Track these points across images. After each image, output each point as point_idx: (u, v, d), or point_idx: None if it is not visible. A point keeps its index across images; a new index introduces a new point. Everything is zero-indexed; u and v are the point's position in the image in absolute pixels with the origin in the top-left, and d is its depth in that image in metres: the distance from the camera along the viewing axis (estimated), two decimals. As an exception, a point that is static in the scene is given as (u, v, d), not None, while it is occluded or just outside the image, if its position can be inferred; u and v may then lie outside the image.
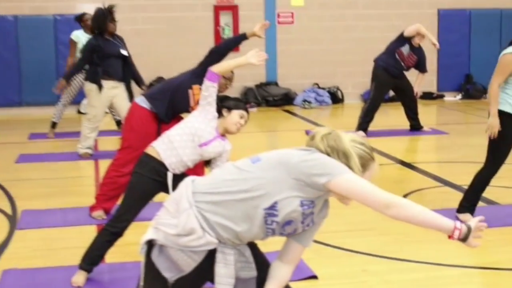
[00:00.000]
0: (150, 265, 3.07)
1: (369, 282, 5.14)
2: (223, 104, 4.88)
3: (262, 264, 3.18)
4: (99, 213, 6.72)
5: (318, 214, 3.10)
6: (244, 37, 6.33)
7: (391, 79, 11.32)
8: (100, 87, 9.18)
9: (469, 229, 3.02)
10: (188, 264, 3.01)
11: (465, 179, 6.69)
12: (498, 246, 5.93)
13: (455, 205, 6.61)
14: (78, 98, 12.65)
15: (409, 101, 11.66)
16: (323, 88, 16.11)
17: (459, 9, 16.73)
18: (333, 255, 5.70)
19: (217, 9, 15.74)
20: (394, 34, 11.51)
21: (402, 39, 11.24)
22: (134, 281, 4.96)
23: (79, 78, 10.91)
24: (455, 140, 11.13)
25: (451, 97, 16.79)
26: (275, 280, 3.14)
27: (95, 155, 9.89)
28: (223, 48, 6.25)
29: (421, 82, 11.69)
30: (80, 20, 11.48)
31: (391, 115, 13.22)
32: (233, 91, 14.25)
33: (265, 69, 16.00)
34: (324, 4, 16.15)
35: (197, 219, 2.95)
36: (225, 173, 3.07)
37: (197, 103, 5.10)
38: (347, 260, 5.60)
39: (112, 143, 10.60)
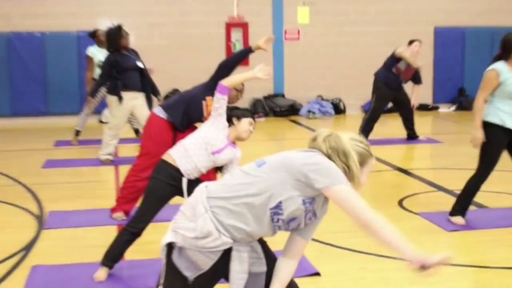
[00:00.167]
0: (171, 265, 3.10)
1: (368, 279, 5.16)
2: (232, 113, 4.94)
3: (272, 260, 3.21)
4: (119, 215, 6.76)
5: (319, 209, 3.15)
6: (249, 50, 6.35)
7: (390, 92, 11.34)
8: (120, 98, 9.24)
9: (429, 265, 3.04)
10: (206, 263, 3.05)
11: (458, 185, 6.70)
12: (488, 247, 5.95)
13: (448, 208, 6.63)
14: (100, 108, 12.71)
15: (406, 112, 11.68)
16: (327, 100, 16.12)
17: (453, 27, 16.72)
18: (335, 254, 5.73)
19: (229, 26, 15.78)
20: (392, 49, 11.51)
21: (396, 59, 11.26)
22: (152, 277, 5.02)
23: (101, 90, 10.96)
24: (449, 149, 11.13)
25: (445, 109, 16.77)
26: (281, 275, 3.17)
27: (115, 161, 9.92)
28: (231, 62, 6.26)
29: (417, 94, 11.69)
30: (93, 36, 11.54)
31: (390, 125, 13.23)
32: (243, 102, 14.30)
33: (272, 82, 16.03)
34: (327, 22, 16.18)
35: (213, 222, 2.99)
36: (234, 178, 3.10)
37: (209, 113, 5.15)
38: (347, 258, 5.62)
39: (131, 150, 10.64)
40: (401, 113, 11.74)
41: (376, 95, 11.40)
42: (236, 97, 5.92)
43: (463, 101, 16.45)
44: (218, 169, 5.03)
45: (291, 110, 15.83)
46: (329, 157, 3.08)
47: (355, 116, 15.32)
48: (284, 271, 3.18)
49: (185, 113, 6.17)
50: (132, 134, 11.88)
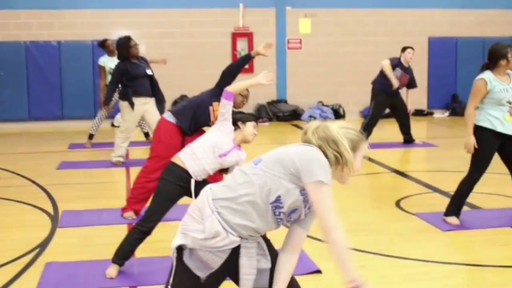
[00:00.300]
0: (182, 266, 3.05)
1: (366, 276, 5.03)
2: (238, 118, 4.95)
3: (275, 258, 3.17)
4: (130, 214, 6.71)
5: None
6: (249, 57, 6.34)
7: (388, 98, 11.32)
8: (131, 104, 9.22)
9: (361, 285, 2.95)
10: (216, 261, 3.01)
11: (452, 186, 6.65)
12: (481, 246, 5.90)
13: (443, 209, 6.59)
14: (112, 113, 12.70)
15: (402, 118, 11.64)
16: (327, 106, 16.09)
17: (447, 37, 16.70)
18: (335, 252, 5.67)
19: (235, 36, 15.76)
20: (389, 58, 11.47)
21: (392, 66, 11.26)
22: (161, 274, 4.98)
23: (114, 96, 10.95)
24: (444, 152, 11.08)
25: (439, 114, 16.74)
26: (283, 273, 3.13)
27: (126, 163, 9.89)
28: (234, 68, 6.24)
29: (412, 98, 11.64)
30: (103, 46, 11.51)
31: (387, 130, 13.16)
32: (248, 107, 14.27)
33: (276, 88, 16.01)
34: (328, 32, 16.16)
35: (220, 222, 2.95)
36: (235, 178, 3.05)
37: (216, 118, 5.13)
38: (347, 257, 5.57)
39: (141, 153, 10.62)
40: (398, 118, 11.71)
41: (375, 102, 11.40)
42: (242, 102, 5.90)
43: (456, 107, 16.41)
44: (224, 170, 4.99)
45: (294, 115, 15.80)
46: (320, 147, 3.01)
47: (354, 121, 15.28)
48: (286, 268, 3.14)
49: (193, 118, 6.16)
50: (142, 138, 11.86)
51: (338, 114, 16.08)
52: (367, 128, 11.32)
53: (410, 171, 9.49)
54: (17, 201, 7.66)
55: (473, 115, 6.22)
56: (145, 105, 9.32)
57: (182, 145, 5.82)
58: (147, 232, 4.99)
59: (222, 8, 15.59)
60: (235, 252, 3.02)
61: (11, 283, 4.96)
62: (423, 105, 16.76)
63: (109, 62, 11.00)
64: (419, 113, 16.43)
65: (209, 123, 6.11)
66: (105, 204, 7.45)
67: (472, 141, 6.19)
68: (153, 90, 9.32)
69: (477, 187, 6.50)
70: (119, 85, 9.47)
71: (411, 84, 11.49)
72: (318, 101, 16.09)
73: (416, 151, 11.44)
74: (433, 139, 12.60)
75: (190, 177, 4.86)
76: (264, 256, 3.11)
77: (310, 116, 15.52)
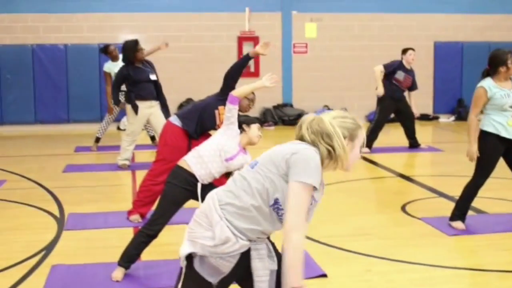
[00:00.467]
0: (193, 274, 3.04)
1: (372, 281, 5.10)
2: (242, 121, 4.98)
3: (280, 260, 3.16)
4: (135, 217, 6.71)
5: (317, 193, 3.02)
6: (248, 57, 6.31)
7: (393, 103, 11.32)
8: (134, 108, 9.22)
9: None
10: (227, 266, 2.99)
11: (457, 191, 6.63)
12: (486, 250, 5.89)
13: (448, 213, 6.57)
14: (119, 116, 12.72)
15: (407, 123, 11.62)
16: (333, 110, 16.06)
17: (452, 41, 16.68)
18: (341, 257, 5.67)
19: (241, 40, 15.77)
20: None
21: (391, 70, 11.27)
22: (167, 277, 4.98)
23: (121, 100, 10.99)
24: (449, 157, 11.05)
25: (445, 119, 16.72)
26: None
27: (132, 166, 9.90)
28: (234, 71, 6.19)
29: (415, 102, 11.63)
30: (105, 52, 11.52)
31: (393, 134, 13.15)
32: (253, 112, 14.28)
33: (281, 92, 16.01)
34: (334, 36, 16.17)
35: (229, 228, 2.94)
36: (236, 183, 3.03)
37: (222, 122, 5.14)
38: (353, 261, 5.56)
39: (147, 156, 10.64)
40: (402, 123, 11.70)
41: (380, 107, 11.41)
42: (248, 106, 5.90)
43: (462, 111, 16.38)
44: (229, 174, 5.00)
45: (299, 119, 15.75)
46: (313, 142, 2.98)
47: (359, 125, 15.26)
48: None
49: (199, 122, 6.16)
50: (148, 141, 11.88)
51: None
52: (373, 133, 11.33)
53: (416, 175, 9.48)
54: (23, 204, 7.67)
55: (475, 123, 6.23)
56: (151, 109, 9.33)
57: (188, 149, 5.82)
58: (153, 236, 4.99)
59: (228, 12, 15.60)
60: (244, 255, 3.00)
61: (17, 285, 4.96)
62: (428, 110, 16.74)
63: (114, 68, 11.02)
64: (424, 117, 16.42)
65: (215, 127, 6.12)
66: (111, 207, 7.45)
67: (474, 149, 6.20)
68: (158, 94, 9.34)
69: (483, 192, 6.49)
70: (125, 89, 9.50)
71: (412, 86, 11.48)
72: (323, 105, 16.07)
73: (422, 156, 11.42)
74: (438, 143, 12.57)
75: (197, 180, 4.87)
76: (271, 257, 3.10)
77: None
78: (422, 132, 13.37)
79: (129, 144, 9.74)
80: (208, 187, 4.80)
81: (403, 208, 7.35)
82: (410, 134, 11.68)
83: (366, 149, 11.22)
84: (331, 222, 6.81)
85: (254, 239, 3.00)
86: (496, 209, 7.29)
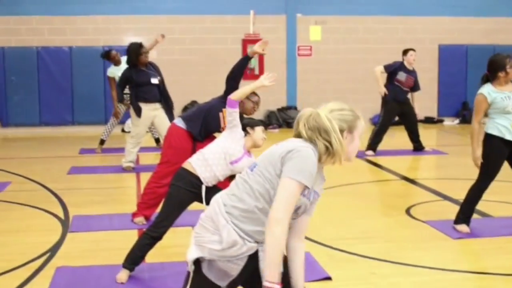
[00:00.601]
0: (201, 278, 3.03)
1: (377, 284, 5.09)
2: (246, 123, 4.99)
3: (285, 263, 3.16)
4: (140, 219, 6.72)
5: (318, 186, 3.03)
6: (247, 57, 6.32)
7: (398, 105, 11.33)
8: (136, 111, 9.25)
9: None
10: (236, 269, 2.99)
11: (462, 194, 6.62)
12: (491, 254, 5.87)
13: (453, 217, 6.56)
14: (123, 118, 12.74)
15: (411, 126, 11.61)
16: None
17: (457, 44, 16.69)
18: (345, 260, 5.66)
19: (245, 42, 15.79)
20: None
21: (391, 72, 11.29)
22: (171, 279, 4.99)
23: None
24: (453, 160, 11.04)
25: (449, 122, 16.72)
26: (299, 257, 3.12)
27: (136, 168, 9.91)
28: (235, 73, 6.18)
29: (418, 102, 11.64)
30: (108, 57, 11.54)
31: (397, 137, 13.14)
32: (258, 114, 14.28)
33: (286, 95, 16.03)
34: (338, 39, 16.18)
35: (236, 231, 2.93)
36: (238, 187, 3.03)
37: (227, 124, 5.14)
38: (357, 264, 5.55)
39: (151, 158, 10.64)
40: (406, 126, 11.69)
41: (385, 110, 11.42)
42: (253, 108, 5.90)
43: (466, 114, 16.37)
44: (233, 176, 5.00)
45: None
46: (311, 139, 2.96)
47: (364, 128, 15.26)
48: (301, 256, 3.13)
49: (203, 124, 6.17)
50: (152, 143, 11.89)
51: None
52: (377, 136, 11.34)
53: (420, 178, 9.47)
54: (28, 206, 7.68)
55: (477, 130, 6.23)
56: (155, 111, 9.35)
57: (193, 151, 5.82)
58: (158, 238, 4.99)
59: (232, 15, 15.63)
60: (252, 257, 3.00)
61: (22, 287, 4.97)
62: (433, 113, 16.74)
63: (117, 72, 11.02)
64: (429, 120, 16.41)
65: (219, 129, 6.12)
66: (115, 209, 7.46)
67: (478, 155, 6.22)
68: (162, 97, 9.35)
69: (488, 195, 6.49)
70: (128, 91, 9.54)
71: (414, 87, 11.49)
72: (328, 108, 16.08)
73: (426, 159, 11.41)
74: (443, 146, 12.56)
75: (201, 183, 4.88)
76: None
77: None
78: (427, 135, 13.36)
79: (133, 147, 9.75)
80: (212, 190, 4.81)
81: (407, 211, 7.34)
82: (414, 137, 11.67)
83: (371, 152, 11.23)
84: (335, 225, 6.81)
85: (261, 241, 2.98)
86: (501, 212, 7.27)
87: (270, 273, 2.81)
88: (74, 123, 15.22)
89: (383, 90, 11.26)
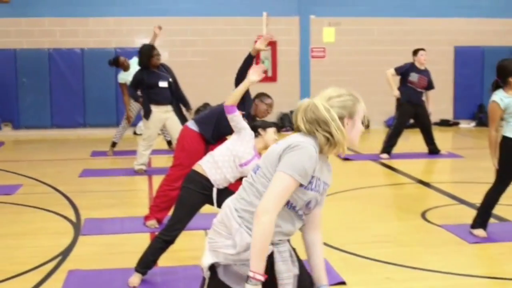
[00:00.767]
0: (218, 284, 3.03)
1: (392, 288, 5.08)
2: (258, 125, 5.02)
3: (301, 266, 3.15)
4: (152, 223, 6.73)
5: (326, 176, 3.02)
6: (250, 56, 6.31)
7: (411, 108, 11.30)
8: (147, 113, 9.28)
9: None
10: None
11: (478, 198, 6.59)
12: (508, 259, 5.85)
13: (469, 221, 6.52)
14: (135, 121, 12.77)
15: (425, 128, 11.57)
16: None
17: (473, 46, 16.62)
18: (360, 264, 5.65)
19: (258, 44, 15.75)
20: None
21: (403, 74, 11.28)
22: (184, 283, 5.00)
23: (136, 104, 11.06)
24: (469, 163, 10.99)
25: (465, 124, 16.64)
26: (318, 248, 3.15)
27: (148, 171, 9.93)
28: (242, 73, 6.09)
29: (431, 100, 11.60)
30: (117, 64, 11.60)
31: (412, 140, 13.09)
32: (271, 117, 14.26)
33: (299, 97, 15.99)
34: (352, 40, 16.16)
35: (249, 234, 2.92)
36: (246, 190, 3.02)
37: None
38: (372, 268, 5.54)
39: (163, 161, 10.66)
40: (421, 129, 11.64)
41: (399, 112, 11.40)
42: (266, 111, 5.92)
43: (482, 117, 16.28)
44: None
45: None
46: (310, 131, 2.94)
47: (378, 130, 15.26)
48: (320, 246, 3.15)
49: (216, 127, 6.18)
50: (165, 146, 11.91)
51: (362, 124, 16.03)
52: (392, 139, 11.31)
53: (436, 182, 9.42)
54: (39, 208, 7.71)
55: (495, 137, 6.22)
56: (167, 113, 9.37)
57: (205, 154, 5.82)
58: (170, 241, 5.00)
59: (245, 17, 15.61)
60: (267, 260, 2.96)
61: (33, 291, 5.00)
62: (449, 115, 16.67)
63: (128, 77, 11.06)
64: (444, 123, 16.35)
65: (231, 132, 6.11)
66: (127, 213, 7.48)
67: (495, 162, 6.22)
68: (174, 97, 9.36)
69: (505, 199, 6.45)
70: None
71: (428, 86, 11.46)
72: (341, 110, 16.05)
73: (442, 162, 11.36)
74: (458, 149, 12.50)
75: (212, 185, 4.89)
76: (293, 262, 3.08)
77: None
78: (442, 138, 13.31)
79: (145, 149, 9.77)
80: (223, 192, 4.83)
81: (423, 215, 7.31)
82: (429, 140, 11.63)
83: (386, 155, 11.20)
84: (350, 229, 6.79)
85: (276, 242, 2.98)
86: (518, 217, 7.24)
87: (255, 263, 2.82)
88: (86, 126, 15.27)
89: (397, 92, 11.25)
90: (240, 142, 4.95)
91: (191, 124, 6.36)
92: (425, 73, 11.43)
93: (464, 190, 8.66)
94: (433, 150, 11.62)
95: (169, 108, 9.36)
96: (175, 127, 9.03)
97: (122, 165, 10.67)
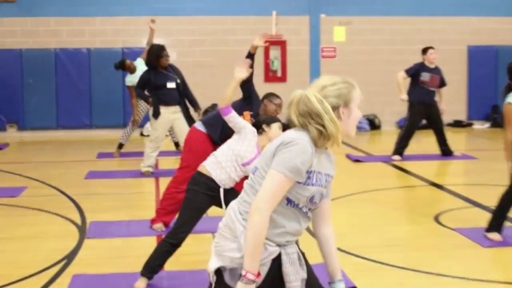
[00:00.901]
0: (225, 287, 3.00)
1: (404, 294, 5.03)
2: (262, 121, 5.01)
3: (310, 271, 3.11)
4: (159, 226, 6.70)
5: (327, 168, 2.98)
6: (250, 54, 6.34)
7: (423, 108, 11.24)
8: (155, 113, 9.26)
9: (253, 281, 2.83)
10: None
11: (493, 201, 6.53)
12: (525, 264, 5.79)
13: (484, 224, 6.47)
14: (142, 122, 12.75)
15: (437, 129, 11.50)
16: (362, 116, 16.00)
17: (487, 45, 16.53)
18: (372, 269, 5.60)
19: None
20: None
21: (414, 75, 11.25)
22: (191, 287, 4.95)
23: (144, 104, 11.05)
24: (484, 165, 10.91)
25: (479, 126, 16.56)
26: (331, 241, 3.13)
27: (155, 173, 9.90)
28: None
29: (444, 97, 11.55)
30: (123, 68, 11.59)
31: (424, 142, 13.02)
32: (280, 117, 14.23)
33: (309, 98, 15.97)
34: (363, 40, 16.10)
35: None
36: (247, 193, 2.99)
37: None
38: (384, 273, 5.49)
39: (170, 163, 10.64)
40: (434, 130, 11.58)
41: (411, 113, 11.35)
42: (276, 111, 5.90)
43: (497, 118, 16.18)
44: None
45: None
46: (303, 125, 2.91)
47: (390, 132, 15.20)
48: (332, 239, 3.13)
49: (223, 128, 6.15)
50: (172, 147, 11.89)
51: (374, 124, 16.00)
52: (404, 140, 11.25)
53: (449, 184, 9.35)
54: (44, 211, 7.70)
55: (511, 140, 6.16)
56: (175, 114, 9.34)
57: (213, 155, 5.81)
58: (177, 245, 4.97)
59: (254, 16, 15.59)
60: (275, 262, 2.95)
61: (37, 295, 4.97)
62: (462, 116, 16.59)
63: (135, 79, 11.02)
64: (458, 124, 16.27)
65: (240, 133, 6.10)
66: (134, 215, 7.45)
67: (510, 166, 6.18)
68: (182, 98, 9.33)
69: (521, 202, 6.39)
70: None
71: (441, 84, 11.41)
72: (352, 111, 16.00)
73: (455, 164, 11.28)
74: (472, 151, 12.42)
75: (217, 185, 4.90)
76: (301, 265, 3.05)
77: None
78: (456, 139, 13.24)
79: (152, 151, 9.74)
80: (230, 192, 4.82)
81: (436, 218, 7.25)
82: (442, 141, 11.55)
83: (398, 157, 11.13)
84: (361, 233, 6.74)
85: (283, 243, 2.95)
86: (534, 220, 7.17)
87: (248, 261, 2.81)
88: (92, 127, 15.27)
89: (405, 96, 11.19)
90: (242, 142, 4.96)
91: (198, 125, 6.36)
92: (436, 71, 11.37)
93: (478, 193, 8.59)
94: (446, 152, 11.54)
95: (177, 108, 9.34)
96: (182, 129, 9.01)
97: (128, 167, 10.65)
